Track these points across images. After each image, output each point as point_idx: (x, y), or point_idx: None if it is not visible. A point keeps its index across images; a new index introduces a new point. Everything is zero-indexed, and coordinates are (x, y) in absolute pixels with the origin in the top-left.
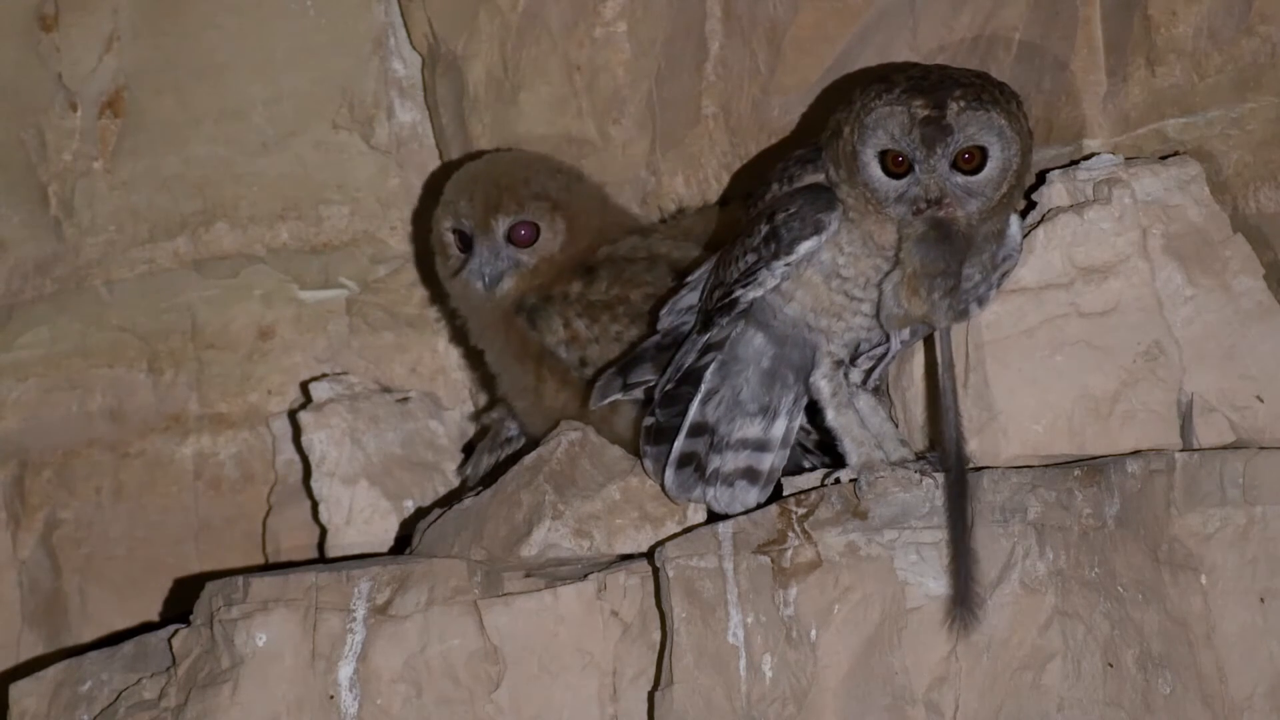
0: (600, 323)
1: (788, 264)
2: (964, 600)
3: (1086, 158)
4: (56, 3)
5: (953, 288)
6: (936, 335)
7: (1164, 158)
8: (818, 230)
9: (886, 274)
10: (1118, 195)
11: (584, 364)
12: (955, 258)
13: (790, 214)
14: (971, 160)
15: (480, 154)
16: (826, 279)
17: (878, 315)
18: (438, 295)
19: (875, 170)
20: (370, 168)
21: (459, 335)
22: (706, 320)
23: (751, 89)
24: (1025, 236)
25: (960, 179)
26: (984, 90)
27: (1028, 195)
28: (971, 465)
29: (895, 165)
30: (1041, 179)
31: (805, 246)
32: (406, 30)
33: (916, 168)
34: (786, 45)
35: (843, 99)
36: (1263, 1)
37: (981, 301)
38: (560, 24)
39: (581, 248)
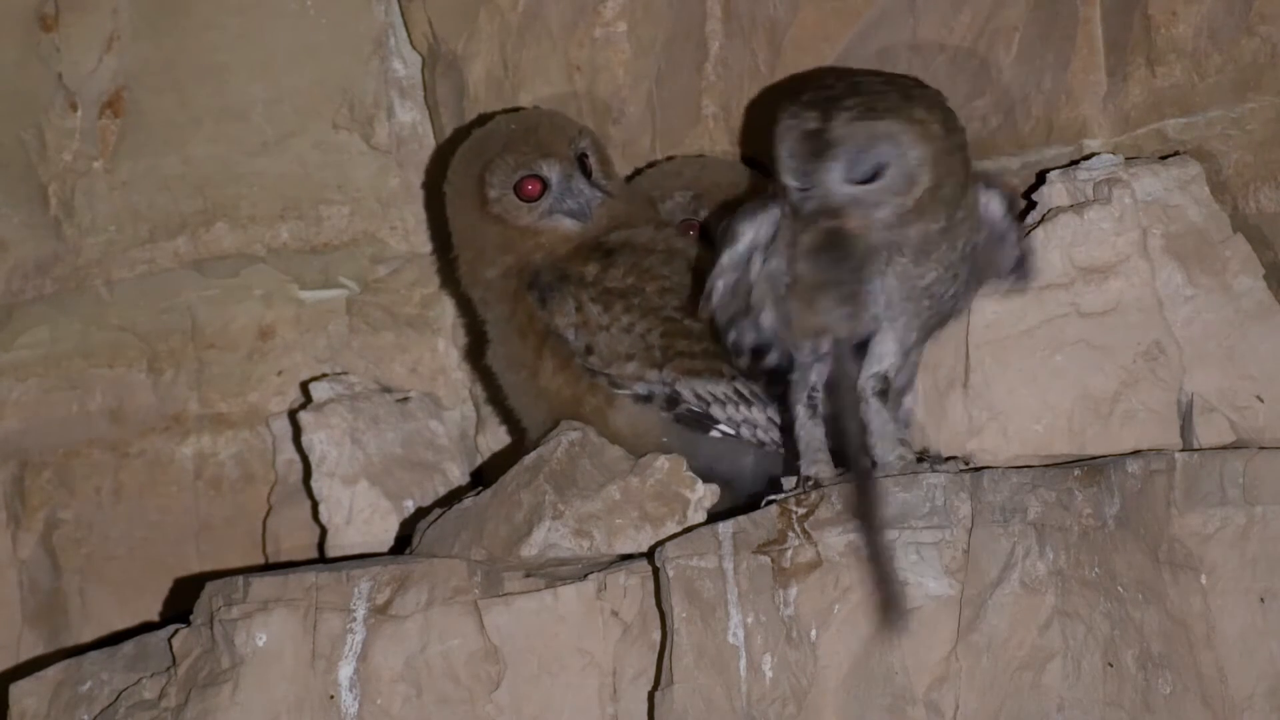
0: (612, 311)
1: (732, 254)
2: (889, 602)
3: (1086, 158)
4: (56, 3)
5: (847, 298)
6: (837, 347)
7: (1164, 158)
8: (752, 215)
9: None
10: (1118, 195)
11: (589, 351)
12: (848, 269)
13: (729, 219)
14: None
15: (482, 120)
16: (777, 289)
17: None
18: (445, 266)
19: (783, 181)
20: (370, 168)
21: (467, 310)
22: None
23: (751, 89)
24: (1025, 236)
25: (850, 190)
26: (882, 98)
27: (1027, 195)
28: (873, 474)
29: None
30: (1041, 179)
31: (744, 230)
32: (406, 30)
33: (806, 179)
34: (786, 45)
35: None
36: (1263, 1)
37: (957, 300)
38: (560, 24)
39: (605, 222)
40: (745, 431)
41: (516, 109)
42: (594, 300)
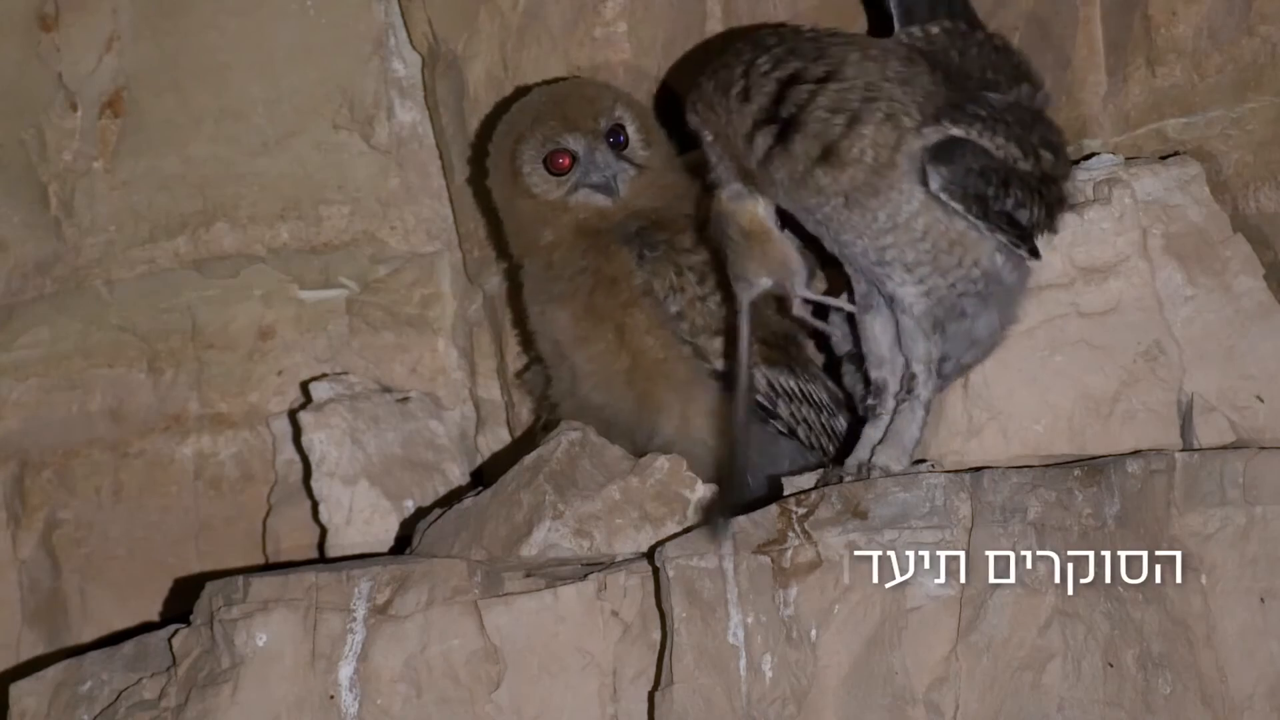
0: (707, 284)
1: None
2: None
3: (1086, 158)
4: (56, 3)
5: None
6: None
7: (1164, 158)
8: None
9: None
10: (1118, 195)
11: (680, 318)
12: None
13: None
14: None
15: (525, 90)
16: None
17: None
18: (500, 250)
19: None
20: (370, 168)
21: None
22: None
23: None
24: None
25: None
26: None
27: None
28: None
29: None
30: None
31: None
32: (406, 30)
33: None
34: None
35: None
36: (1263, 1)
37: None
38: (560, 24)
39: (641, 195)
40: (801, 432)
41: (550, 80)
42: (692, 269)
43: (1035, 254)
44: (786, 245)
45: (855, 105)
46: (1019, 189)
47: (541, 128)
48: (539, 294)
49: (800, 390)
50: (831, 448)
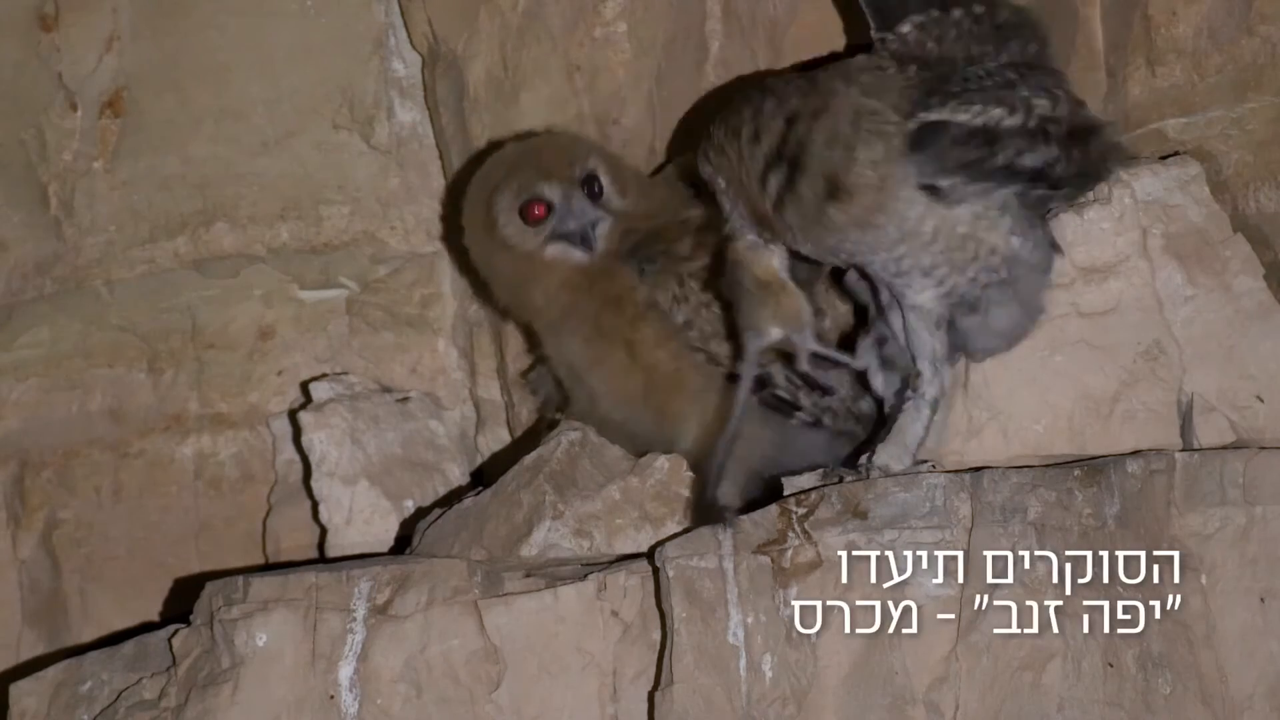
0: (710, 289)
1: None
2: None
3: None
4: (56, 3)
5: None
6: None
7: (1164, 158)
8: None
9: None
10: (1118, 195)
11: (688, 327)
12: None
13: None
14: None
15: (484, 152)
16: None
17: None
18: (477, 283)
19: None
20: (370, 168)
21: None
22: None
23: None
24: None
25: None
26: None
27: None
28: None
29: None
30: None
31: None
32: (406, 30)
33: None
34: (786, 45)
35: None
36: (1263, 1)
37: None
38: (560, 24)
39: (651, 206)
40: (827, 420)
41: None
42: (693, 275)
43: (1059, 186)
44: (799, 298)
45: (847, 132)
46: (1017, 140)
47: (516, 178)
48: (546, 334)
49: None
50: (861, 430)
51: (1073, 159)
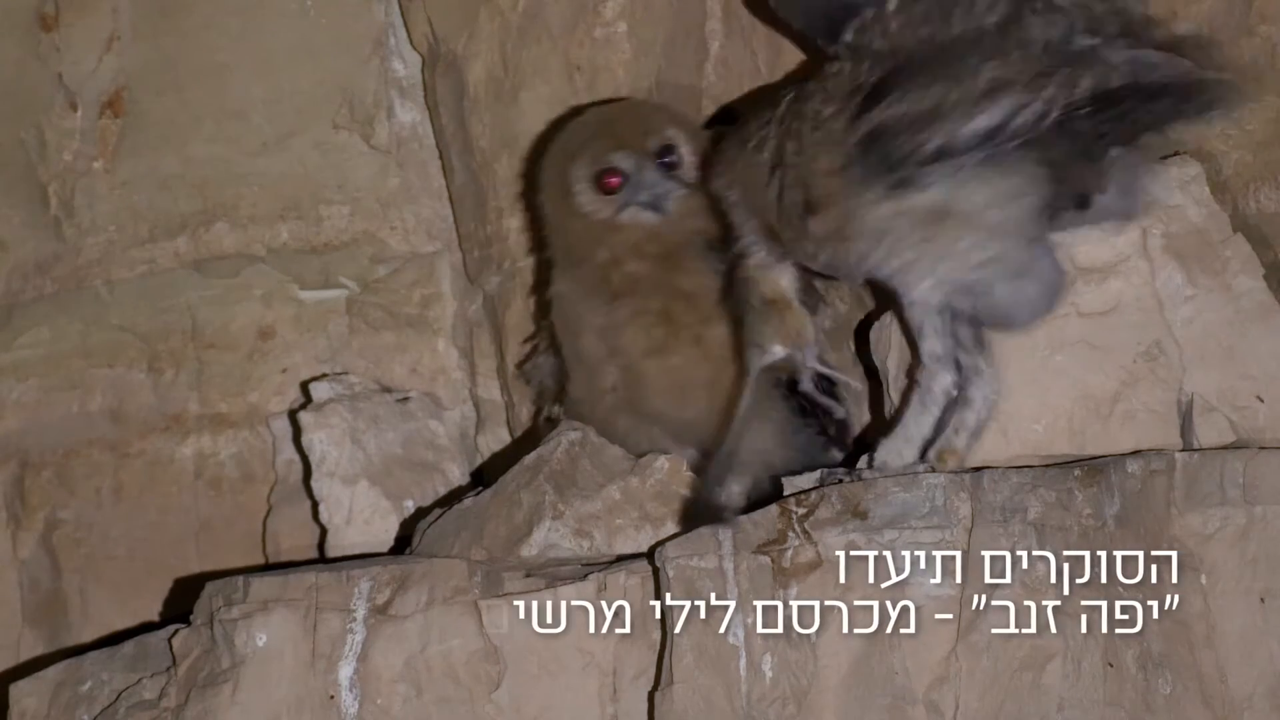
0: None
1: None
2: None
3: None
4: (56, 3)
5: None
6: None
7: (1164, 157)
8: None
9: None
10: None
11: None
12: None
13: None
14: None
15: (578, 111)
16: None
17: None
18: (535, 247)
19: None
20: (370, 168)
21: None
22: None
23: (751, 89)
24: None
25: None
26: None
27: None
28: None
29: None
30: None
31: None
32: (406, 30)
33: None
34: (787, 45)
35: None
36: (1263, 1)
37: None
38: (560, 24)
39: (690, 214)
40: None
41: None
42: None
43: (1039, 124)
44: (805, 317)
45: (809, 143)
46: (962, 107)
47: (592, 147)
48: (591, 299)
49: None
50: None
51: (1074, 93)
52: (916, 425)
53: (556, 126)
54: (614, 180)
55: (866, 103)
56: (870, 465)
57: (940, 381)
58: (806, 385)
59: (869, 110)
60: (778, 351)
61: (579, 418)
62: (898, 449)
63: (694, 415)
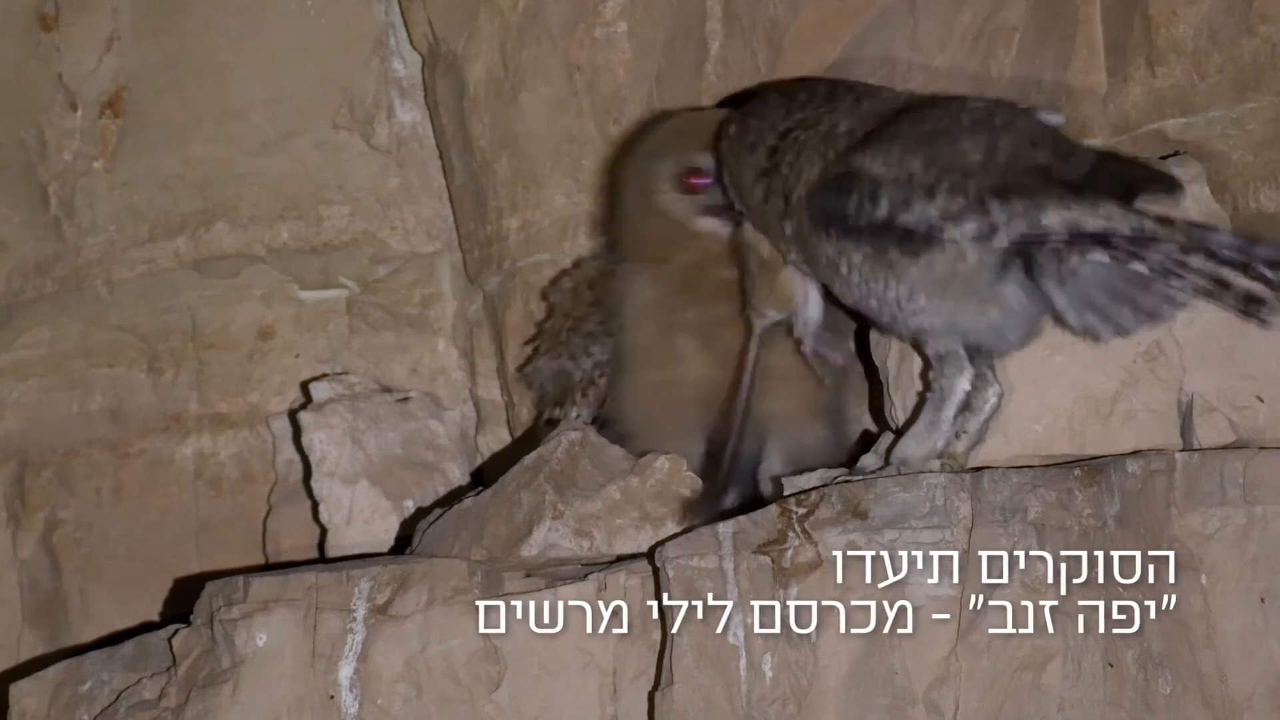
0: None
1: None
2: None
3: None
4: (56, 3)
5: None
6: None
7: (1164, 158)
8: None
9: None
10: None
11: None
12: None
13: None
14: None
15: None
16: None
17: None
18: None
19: None
20: (370, 168)
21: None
22: None
23: (751, 88)
24: None
25: None
26: None
27: None
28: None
29: None
30: None
31: None
32: (406, 30)
33: None
34: (787, 45)
35: None
36: (1263, 1)
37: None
38: (560, 24)
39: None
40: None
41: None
42: None
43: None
44: (797, 281)
45: (804, 160)
46: (926, 193)
47: (679, 146)
48: (680, 296)
49: None
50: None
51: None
52: (932, 426)
53: (645, 128)
54: (697, 180)
55: (857, 145)
56: (887, 463)
57: (953, 383)
58: (806, 349)
59: (850, 154)
60: (772, 315)
61: (632, 408)
62: (913, 449)
63: (790, 415)
